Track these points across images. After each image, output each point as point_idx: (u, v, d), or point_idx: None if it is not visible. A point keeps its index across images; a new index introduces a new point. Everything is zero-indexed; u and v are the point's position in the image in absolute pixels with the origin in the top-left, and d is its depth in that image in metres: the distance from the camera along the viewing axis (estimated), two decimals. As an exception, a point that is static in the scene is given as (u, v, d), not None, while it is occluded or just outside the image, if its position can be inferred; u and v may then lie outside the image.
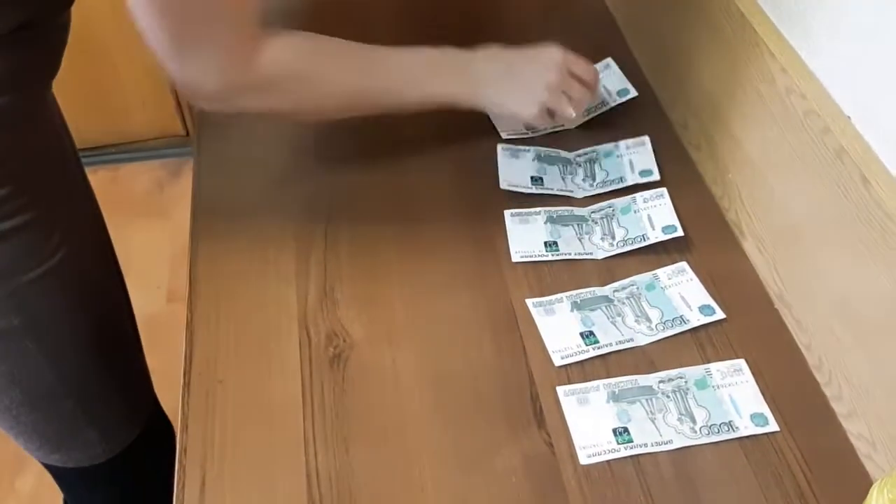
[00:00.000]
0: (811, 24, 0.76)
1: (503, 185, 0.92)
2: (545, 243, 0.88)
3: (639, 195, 0.91)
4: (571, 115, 0.90)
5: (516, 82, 0.88)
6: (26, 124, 0.77)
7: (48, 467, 0.99)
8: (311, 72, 0.79)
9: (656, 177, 0.93)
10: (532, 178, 0.93)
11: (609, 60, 1.07)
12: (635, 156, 0.95)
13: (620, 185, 0.93)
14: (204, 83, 0.74)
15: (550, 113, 0.90)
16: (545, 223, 0.89)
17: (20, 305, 0.80)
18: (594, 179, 0.94)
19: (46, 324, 0.83)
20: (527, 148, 0.96)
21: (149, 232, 2.07)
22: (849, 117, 0.71)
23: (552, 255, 0.87)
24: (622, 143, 0.96)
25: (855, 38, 0.70)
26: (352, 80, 0.82)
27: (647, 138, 0.96)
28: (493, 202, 0.92)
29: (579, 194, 0.92)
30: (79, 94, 2.06)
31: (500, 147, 0.96)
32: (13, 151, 0.75)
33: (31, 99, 0.77)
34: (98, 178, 2.21)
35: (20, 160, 0.76)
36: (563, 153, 0.96)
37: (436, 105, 0.86)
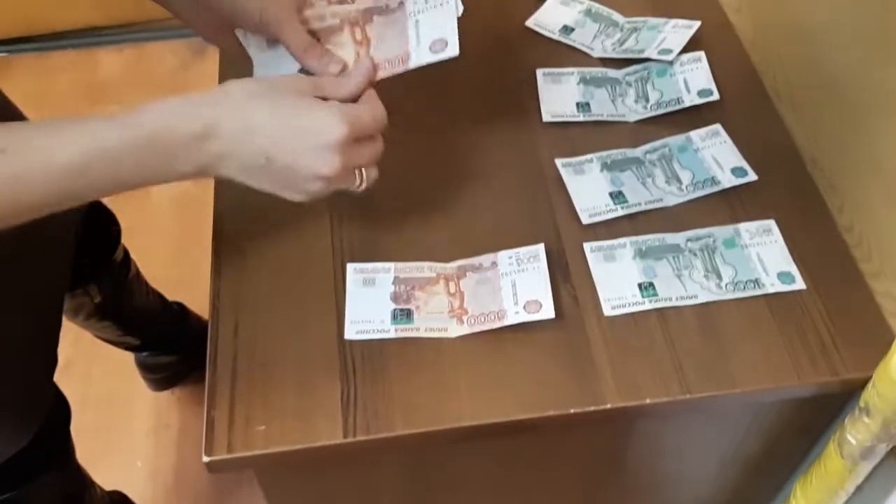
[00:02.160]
0: None
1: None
2: (577, 104, 0.86)
3: (676, 59, 0.88)
4: (362, 189, 0.67)
5: (276, 180, 0.62)
6: None
7: None
8: None
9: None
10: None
11: (701, 54, 0.89)
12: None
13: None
14: None
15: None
16: (578, 84, 0.88)
17: None
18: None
19: None
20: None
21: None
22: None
23: (584, 116, 0.85)
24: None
25: None
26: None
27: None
28: (524, 60, 0.90)
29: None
30: (102, -32, 2.03)
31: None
32: None
33: None
34: (124, 56, 2.20)
35: None
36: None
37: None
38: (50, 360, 0.89)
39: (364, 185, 0.66)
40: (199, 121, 0.58)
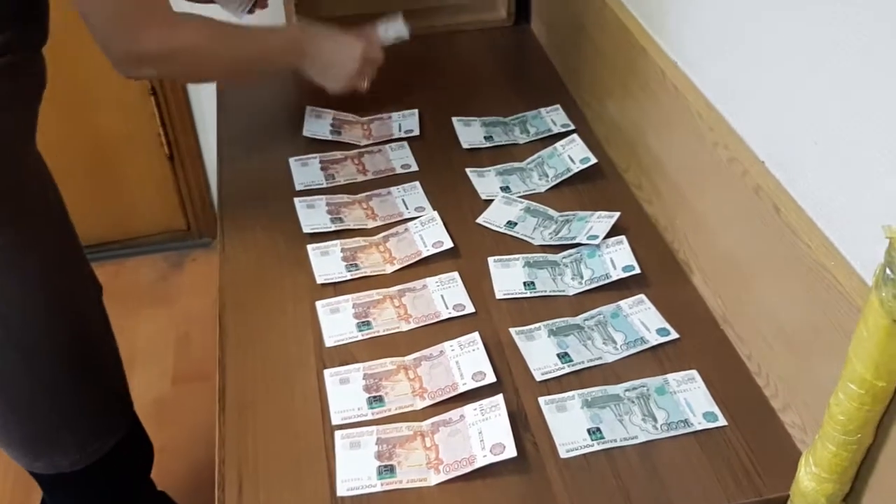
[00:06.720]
0: (732, 90, 0.93)
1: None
2: (524, 283, 1.02)
3: (602, 243, 1.06)
4: (363, 89, 1.22)
5: (331, 66, 1.18)
6: None
7: (32, 474, 1.11)
8: (207, 48, 1.01)
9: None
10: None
11: (574, 136, 1.25)
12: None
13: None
14: (137, 54, 0.95)
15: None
16: (523, 267, 1.04)
17: None
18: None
19: (18, 327, 0.97)
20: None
21: (153, 320, 2.19)
22: (763, 161, 0.87)
23: (530, 292, 1.01)
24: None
25: (767, 101, 0.87)
26: (236, 57, 1.07)
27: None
28: (477, 249, 1.08)
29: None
30: (90, 194, 2.22)
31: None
32: None
33: None
34: (104, 272, 2.34)
35: None
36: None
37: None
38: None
39: (366, 87, 1.22)
40: (302, 46, 1.14)
